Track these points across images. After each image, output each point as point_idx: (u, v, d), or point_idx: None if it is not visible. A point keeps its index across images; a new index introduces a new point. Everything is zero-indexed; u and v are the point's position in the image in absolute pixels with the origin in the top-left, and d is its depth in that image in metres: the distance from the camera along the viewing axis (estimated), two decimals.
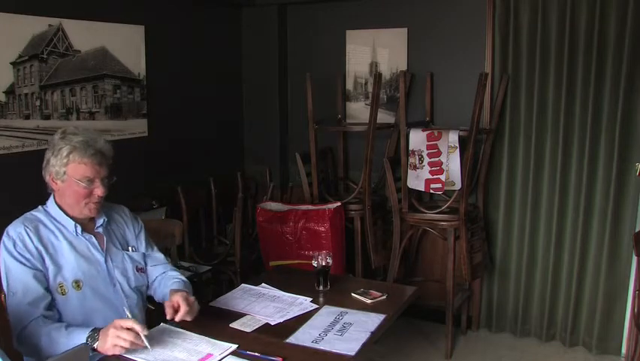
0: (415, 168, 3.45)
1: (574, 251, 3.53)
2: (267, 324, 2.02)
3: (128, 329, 1.73)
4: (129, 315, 1.80)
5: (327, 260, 2.34)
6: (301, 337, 1.91)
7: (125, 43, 3.47)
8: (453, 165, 3.35)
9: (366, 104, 4.05)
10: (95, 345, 1.74)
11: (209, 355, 1.77)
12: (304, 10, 4.24)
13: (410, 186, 3.51)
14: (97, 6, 3.28)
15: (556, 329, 3.68)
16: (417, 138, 3.42)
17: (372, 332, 1.95)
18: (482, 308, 3.86)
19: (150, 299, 2.22)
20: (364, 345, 1.86)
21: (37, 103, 3.02)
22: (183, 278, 2.15)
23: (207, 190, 3.92)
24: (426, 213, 3.51)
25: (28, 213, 1.98)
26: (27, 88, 2.97)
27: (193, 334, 1.90)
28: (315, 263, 2.35)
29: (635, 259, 3.28)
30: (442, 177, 3.37)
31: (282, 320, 2.04)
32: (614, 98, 3.30)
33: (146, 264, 2.16)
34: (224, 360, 1.75)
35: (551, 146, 3.51)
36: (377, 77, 3.54)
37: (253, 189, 4.16)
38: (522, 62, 3.52)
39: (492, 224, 3.76)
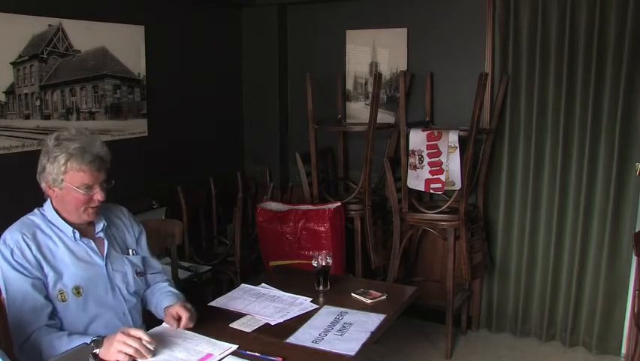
0: (415, 168, 3.45)
1: (574, 251, 3.53)
2: (267, 324, 2.02)
3: (135, 337, 1.73)
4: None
5: (327, 260, 2.34)
6: (301, 337, 1.91)
7: (125, 44, 3.47)
8: (453, 165, 3.35)
9: (366, 104, 4.05)
10: (97, 350, 1.73)
11: (209, 355, 1.77)
12: (304, 10, 4.24)
13: (410, 186, 3.51)
14: (97, 6, 3.28)
15: (557, 329, 3.68)
16: (417, 138, 3.42)
17: (372, 332, 1.95)
18: (482, 308, 3.86)
19: None
20: (364, 345, 1.86)
21: (37, 103, 3.02)
22: (174, 290, 2.12)
23: (207, 190, 3.92)
24: (426, 213, 3.51)
25: (24, 217, 1.95)
26: (27, 88, 2.97)
27: (193, 334, 1.90)
28: (315, 263, 2.35)
29: (635, 258, 3.28)
30: (442, 177, 3.37)
31: (282, 320, 2.04)
32: (614, 98, 3.30)
33: (145, 269, 2.14)
34: (224, 360, 1.75)
35: (551, 146, 3.52)
36: (377, 77, 3.54)
37: (253, 189, 4.16)
38: (522, 62, 3.52)
39: (492, 224, 3.76)
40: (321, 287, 2.34)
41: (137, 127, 3.60)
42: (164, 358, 1.75)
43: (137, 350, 1.71)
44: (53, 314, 1.86)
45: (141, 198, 3.46)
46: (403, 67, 3.91)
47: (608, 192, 3.38)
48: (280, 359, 1.75)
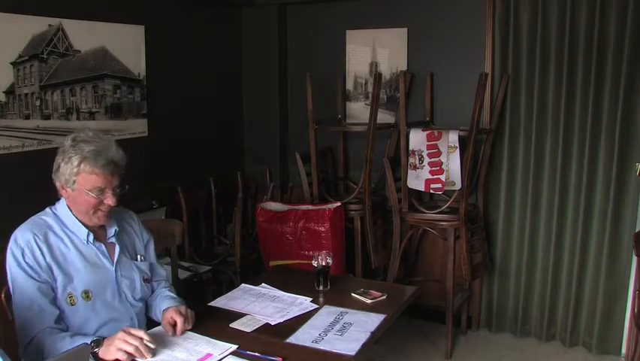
0: (415, 168, 3.45)
1: (574, 251, 3.53)
2: (267, 324, 2.02)
3: (137, 336, 1.73)
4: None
5: (327, 260, 2.34)
6: (301, 337, 1.91)
7: (125, 44, 3.47)
8: (453, 165, 3.34)
9: (366, 104, 4.05)
10: (97, 350, 1.73)
11: (209, 355, 1.77)
12: (304, 10, 4.24)
13: (410, 186, 3.51)
14: (97, 6, 3.28)
15: (557, 329, 3.68)
16: (417, 138, 3.42)
17: (372, 332, 1.95)
18: (482, 308, 3.86)
19: None
20: (364, 345, 1.86)
21: (37, 103, 3.02)
22: (173, 295, 2.11)
23: (207, 190, 3.92)
24: (426, 213, 3.51)
25: (36, 216, 1.93)
26: (27, 88, 2.97)
27: (193, 334, 1.90)
28: (315, 263, 2.35)
29: (635, 259, 3.28)
30: (442, 177, 3.37)
31: (282, 320, 2.04)
32: (614, 98, 3.30)
33: (151, 276, 2.13)
34: (224, 360, 1.75)
35: (551, 146, 3.51)
36: (377, 77, 3.54)
37: (253, 189, 4.17)
38: (522, 62, 3.52)
39: (492, 224, 3.76)
40: (321, 287, 2.34)
41: (137, 127, 3.60)
42: (164, 358, 1.75)
43: (137, 348, 1.71)
44: (60, 318, 1.85)
45: (141, 198, 3.46)
46: (403, 67, 3.91)
47: (608, 192, 3.38)
48: (280, 359, 1.75)
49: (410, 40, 3.90)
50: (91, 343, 1.74)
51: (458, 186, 3.36)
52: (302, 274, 2.64)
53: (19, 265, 1.81)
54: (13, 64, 2.89)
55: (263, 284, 2.39)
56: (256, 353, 1.78)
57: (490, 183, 3.72)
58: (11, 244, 1.84)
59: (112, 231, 2.01)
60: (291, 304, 2.19)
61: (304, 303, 2.20)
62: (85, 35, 3.21)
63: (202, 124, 4.07)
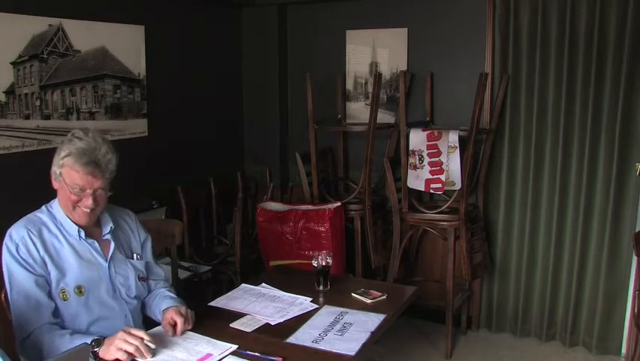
0: (415, 168, 3.45)
1: (574, 251, 3.53)
2: (267, 324, 2.02)
3: (137, 336, 1.73)
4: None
5: (327, 260, 2.34)
6: (301, 337, 1.91)
7: (125, 43, 3.47)
8: (453, 165, 3.34)
9: (366, 104, 4.05)
10: (97, 349, 1.73)
11: (209, 355, 1.77)
12: (304, 10, 4.24)
13: (410, 186, 3.51)
14: (97, 6, 3.28)
15: (557, 329, 3.68)
16: (417, 138, 3.42)
17: (372, 332, 1.95)
18: (482, 308, 3.86)
19: None
20: (364, 345, 1.86)
21: (38, 103, 3.02)
22: (173, 295, 2.11)
23: (207, 190, 3.92)
24: (426, 213, 3.51)
25: (31, 214, 1.95)
26: (27, 88, 2.97)
27: (193, 334, 1.90)
28: (315, 263, 2.35)
29: (635, 259, 3.28)
30: (442, 177, 3.37)
31: (282, 320, 2.04)
32: (614, 98, 3.30)
33: (147, 275, 2.13)
34: (224, 360, 1.75)
35: (551, 146, 3.51)
36: (377, 77, 3.54)
37: (253, 189, 4.16)
38: (522, 62, 3.52)
39: (492, 224, 3.76)
40: (321, 287, 2.34)
41: (137, 127, 3.60)
42: (164, 358, 1.75)
43: (137, 348, 1.71)
44: (57, 313, 1.87)
45: (141, 198, 3.46)
46: (403, 67, 3.91)
47: (608, 192, 3.38)
48: (280, 359, 1.75)
49: (410, 40, 3.90)
50: (91, 342, 1.74)
51: (458, 186, 3.36)
52: (302, 274, 2.64)
53: (14, 259, 1.83)
54: (14, 64, 2.89)
55: (263, 284, 2.39)
56: (256, 353, 1.78)
57: (490, 183, 3.72)
58: (6, 240, 1.86)
59: (107, 228, 2.02)
60: (291, 304, 2.19)
61: (304, 303, 2.20)
62: (85, 35, 3.21)
63: (202, 124, 4.07)
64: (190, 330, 1.92)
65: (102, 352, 1.73)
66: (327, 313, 2.11)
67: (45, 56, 3.02)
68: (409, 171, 3.48)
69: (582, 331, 3.59)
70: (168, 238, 2.64)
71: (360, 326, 2.00)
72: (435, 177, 3.38)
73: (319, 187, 3.82)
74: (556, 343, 3.68)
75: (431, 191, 3.45)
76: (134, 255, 2.10)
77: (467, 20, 3.70)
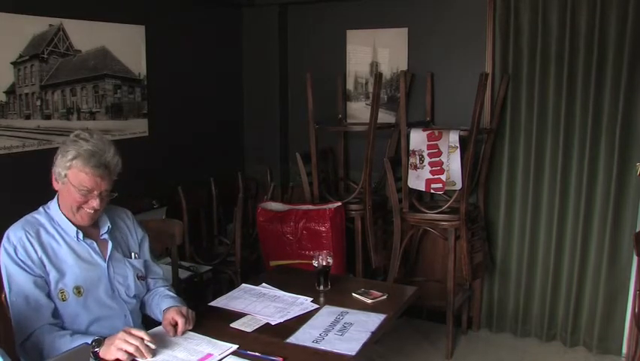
0: (415, 167, 3.45)
1: (574, 251, 3.53)
2: (267, 324, 2.02)
3: (137, 336, 1.73)
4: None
5: (328, 260, 2.34)
6: (302, 337, 1.91)
7: (126, 43, 3.47)
8: (453, 164, 3.34)
9: (366, 104, 4.05)
10: (97, 349, 1.73)
11: (209, 355, 1.77)
12: (304, 9, 4.24)
13: (411, 186, 3.51)
14: (97, 6, 3.28)
15: (557, 329, 3.68)
16: (417, 138, 3.42)
17: (372, 332, 1.95)
18: (483, 308, 3.86)
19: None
20: (365, 345, 1.86)
21: (38, 103, 3.02)
22: (173, 294, 2.11)
23: (208, 190, 3.92)
24: (426, 213, 3.51)
25: (28, 215, 1.95)
26: (28, 88, 2.97)
27: (194, 334, 1.90)
28: (315, 263, 2.35)
29: (635, 258, 3.27)
30: (443, 177, 3.37)
31: (282, 320, 2.04)
32: (615, 98, 3.30)
33: (146, 273, 2.13)
34: (225, 360, 1.75)
35: (552, 146, 3.51)
36: (377, 76, 3.54)
37: (253, 189, 4.16)
38: (522, 61, 3.52)
39: (492, 224, 3.76)
40: (321, 287, 2.34)
41: (137, 127, 3.60)
42: (165, 358, 1.75)
43: (137, 348, 1.71)
44: (56, 313, 1.87)
45: (141, 198, 3.45)
46: (404, 67, 3.91)
47: (609, 193, 3.38)
48: (281, 359, 1.75)
49: (411, 40, 3.90)
50: (92, 342, 1.74)
51: (459, 186, 3.36)
52: (302, 274, 2.64)
53: (13, 260, 1.83)
54: (14, 64, 2.89)
55: (263, 284, 2.39)
56: (256, 353, 1.78)
57: (490, 183, 3.72)
58: (4, 243, 1.86)
59: (105, 228, 2.02)
60: (291, 304, 2.19)
61: (305, 303, 2.20)
62: (85, 35, 3.21)
63: (202, 124, 4.07)
64: (190, 330, 1.92)
65: (102, 352, 1.74)
66: (328, 313, 2.11)
67: (45, 56, 3.02)
68: (410, 171, 3.48)
69: (583, 331, 3.58)
70: (169, 238, 2.64)
71: (360, 326, 1.99)
72: (435, 177, 3.38)
73: (320, 187, 3.82)
74: (557, 343, 3.68)
75: (432, 191, 3.45)
76: (132, 254, 2.10)
77: (468, 20, 3.70)
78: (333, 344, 1.86)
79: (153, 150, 3.65)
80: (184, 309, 1.95)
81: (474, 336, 3.83)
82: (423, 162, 3.41)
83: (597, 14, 3.26)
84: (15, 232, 1.87)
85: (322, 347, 1.84)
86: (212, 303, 2.21)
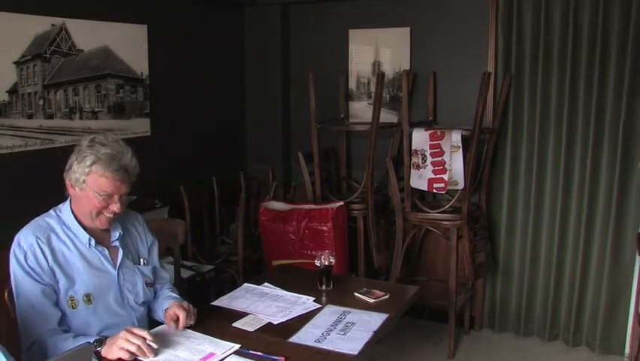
0: (417, 167, 3.45)
1: (577, 251, 3.52)
2: (269, 323, 2.02)
3: (139, 336, 1.73)
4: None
5: (330, 260, 2.34)
6: (304, 336, 1.91)
7: (128, 43, 3.47)
8: (456, 164, 3.34)
9: (368, 104, 4.05)
10: (99, 349, 1.73)
11: (212, 354, 1.77)
12: (306, 9, 4.24)
13: (413, 186, 3.51)
14: (100, 6, 3.28)
15: (559, 329, 3.67)
16: (420, 138, 3.42)
17: (374, 332, 1.95)
18: (485, 308, 3.86)
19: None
20: (367, 345, 1.86)
21: (41, 102, 3.03)
22: (175, 295, 2.10)
23: (210, 190, 3.92)
24: (429, 212, 3.51)
25: (39, 218, 1.92)
26: (30, 87, 2.97)
27: (196, 333, 1.90)
28: (317, 263, 2.35)
29: (638, 258, 3.28)
30: (445, 177, 3.37)
31: (284, 320, 2.04)
32: (617, 98, 3.29)
33: (154, 280, 2.12)
34: (227, 360, 1.75)
35: (554, 145, 3.51)
36: (380, 76, 3.53)
37: (256, 189, 4.17)
38: (525, 61, 3.52)
39: (495, 224, 3.76)
40: (323, 287, 2.34)
41: (139, 126, 3.61)
42: (167, 357, 1.75)
43: (139, 347, 1.71)
44: (63, 320, 1.85)
45: (144, 197, 3.45)
46: (406, 66, 3.90)
47: (611, 192, 3.38)
48: (283, 358, 1.75)
49: (413, 39, 3.90)
50: (94, 342, 1.74)
51: (461, 185, 3.36)
52: (305, 274, 2.64)
53: (22, 268, 1.81)
54: (17, 63, 2.89)
55: (265, 284, 2.39)
56: (259, 353, 1.78)
57: (493, 182, 3.72)
58: (14, 247, 1.84)
59: (116, 234, 2.00)
60: (293, 303, 2.19)
61: (307, 302, 2.20)
62: (88, 35, 3.21)
63: (205, 123, 4.08)
64: (192, 329, 1.92)
65: (105, 351, 1.74)
66: (330, 312, 2.11)
67: (48, 56, 3.03)
68: (412, 170, 3.48)
69: (585, 331, 3.58)
70: (171, 238, 2.64)
71: (362, 325, 1.99)
72: (438, 176, 3.38)
73: (322, 187, 3.82)
74: (559, 343, 3.67)
75: (434, 190, 3.44)
76: (141, 260, 2.08)
77: (470, 20, 3.70)
78: (336, 343, 1.86)
79: (156, 149, 3.65)
80: (185, 303, 1.95)
81: (476, 336, 3.83)
82: (425, 161, 3.41)
83: (600, 13, 3.25)
84: (26, 238, 1.84)
85: (324, 347, 1.84)
86: (215, 302, 2.21)
